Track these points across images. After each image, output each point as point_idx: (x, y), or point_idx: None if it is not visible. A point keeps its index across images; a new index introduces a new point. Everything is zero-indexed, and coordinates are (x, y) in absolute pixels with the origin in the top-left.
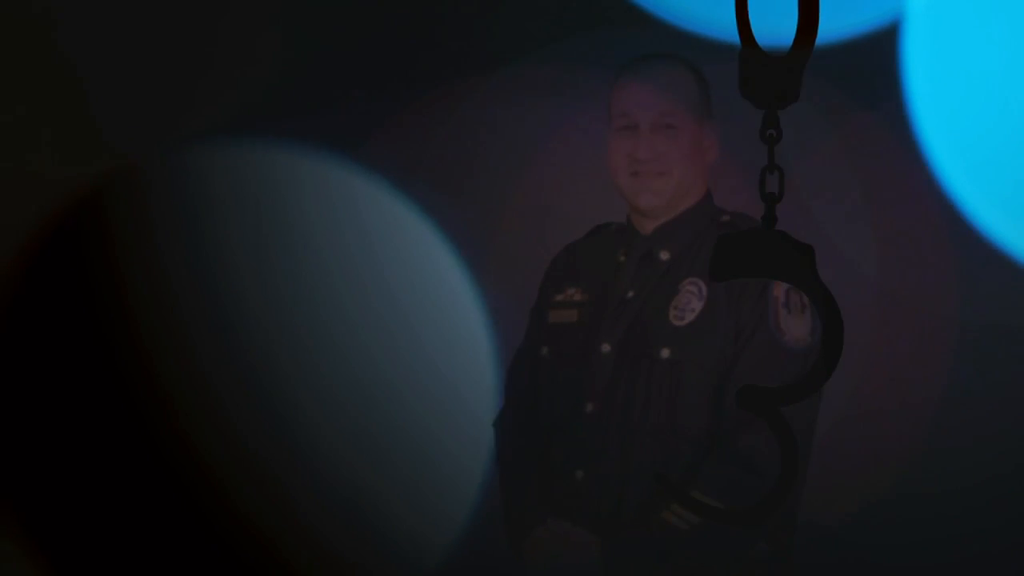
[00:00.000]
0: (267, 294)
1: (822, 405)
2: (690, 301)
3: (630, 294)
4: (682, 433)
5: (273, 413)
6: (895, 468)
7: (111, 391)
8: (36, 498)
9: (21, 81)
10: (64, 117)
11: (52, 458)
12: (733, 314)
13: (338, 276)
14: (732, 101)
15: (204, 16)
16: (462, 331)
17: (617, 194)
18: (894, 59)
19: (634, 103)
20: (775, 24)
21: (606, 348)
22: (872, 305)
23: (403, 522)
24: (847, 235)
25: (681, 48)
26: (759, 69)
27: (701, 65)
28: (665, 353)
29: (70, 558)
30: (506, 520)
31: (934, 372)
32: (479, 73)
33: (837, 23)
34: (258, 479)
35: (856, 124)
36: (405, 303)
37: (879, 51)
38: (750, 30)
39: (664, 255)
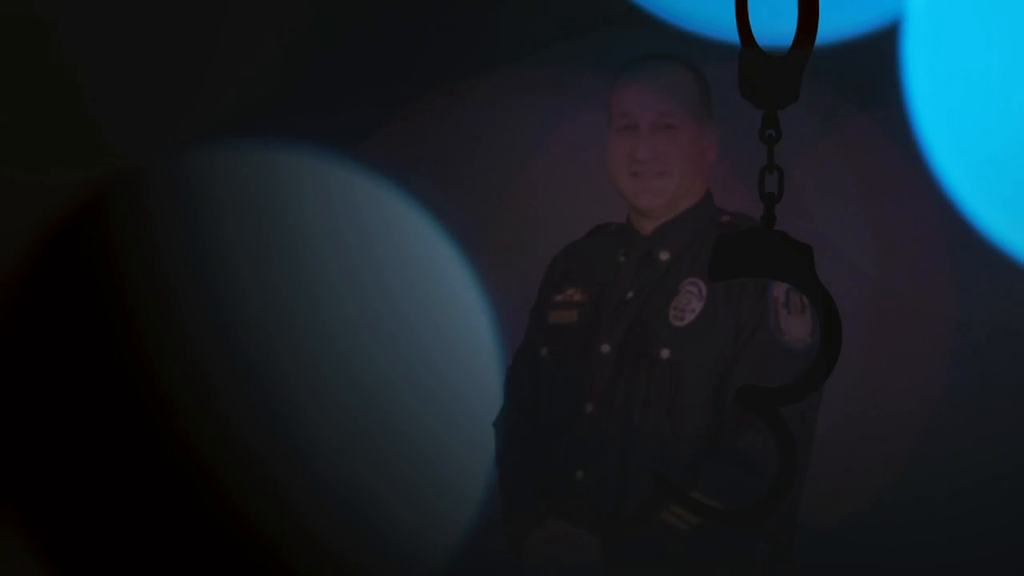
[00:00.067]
0: (267, 294)
1: (822, 405)
2: (690, 301)
3: (630, 294)
4: (682, 433)
5: (273, 413)
6: (895, 468)
7: (112, 391)
8: (39, 498)
9: (22, 82)
10: (65, 118)
11: (54, 458)
12: (733, 314)
13: (338, 276)
14: (732, 101)
15: (204, 17)
16: (462, 331)
17: (617, 194)
18: (894, 59)
19: (634, 103)
20: (775, 24)
21: (606, 348)
22: (871, 305)
23: (403, 522)
24: (847, 235)
25: (681, 48)
26: (759, 69)
27: (701, 65)
28: (665, 353)
29: (71, 557)
30: (506, 520)
31: (934, 372)
32: (479, 73)
33: (837, 23)
34: (258, 479)
35: (856, 124)
36: (405, 303)
37: (879, 51)
38: (750, 30)
39: (664, 255)
